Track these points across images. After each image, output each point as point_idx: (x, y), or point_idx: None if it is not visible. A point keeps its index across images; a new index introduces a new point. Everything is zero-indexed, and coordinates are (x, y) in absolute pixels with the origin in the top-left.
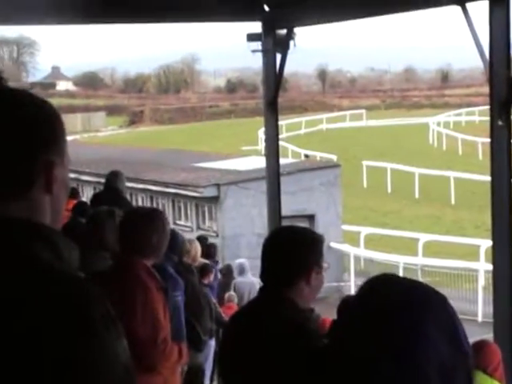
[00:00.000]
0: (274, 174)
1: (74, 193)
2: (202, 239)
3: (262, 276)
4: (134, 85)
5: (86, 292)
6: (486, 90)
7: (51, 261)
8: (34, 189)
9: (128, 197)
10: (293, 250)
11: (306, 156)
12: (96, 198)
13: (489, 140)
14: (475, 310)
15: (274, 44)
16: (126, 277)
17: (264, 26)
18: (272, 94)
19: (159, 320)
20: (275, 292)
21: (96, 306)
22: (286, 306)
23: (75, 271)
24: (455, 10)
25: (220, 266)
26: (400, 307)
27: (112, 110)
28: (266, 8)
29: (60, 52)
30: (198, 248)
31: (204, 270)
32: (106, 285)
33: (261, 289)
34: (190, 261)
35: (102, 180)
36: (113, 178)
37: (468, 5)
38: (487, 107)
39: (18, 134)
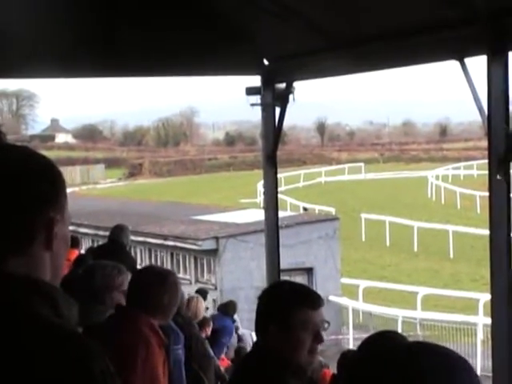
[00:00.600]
0: (272, 227)
1: (76, 242)
2: (202, 292)
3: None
4: (133, 137)
5: (85, 348)
6: (484, 143)
7: (50, 317)
8: (35, 245)
9: None
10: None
11: (305, 209)
12: (99, 250)
13: (487, 194)
14: (474, 363)
15: (273, 98)
16: (128, 331)
17: (263, 80)
18: (271, 148)
19: (158, 377)
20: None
21: (95, 361)
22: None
23: (74, 327)
24: (454, 64)
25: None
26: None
27: (111, 163)
28: (266, 62)
29: (59, 104)
30: (200, 303)
31: (202, 324)
32: (105, 338)
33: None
34: (191, 314)
35: (101, 232)
36: (117, 232)
37: (466, 60)
38: (485, 161)
39: (18, 190)
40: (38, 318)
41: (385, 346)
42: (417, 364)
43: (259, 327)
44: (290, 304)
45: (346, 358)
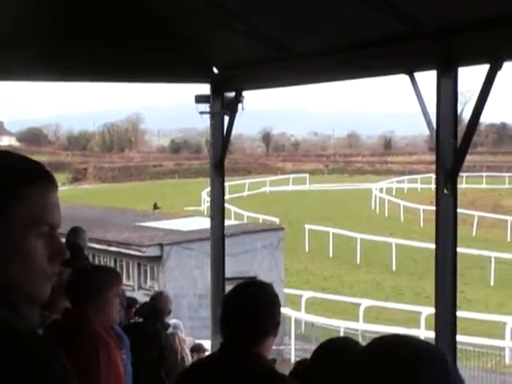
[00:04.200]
0: (218, 236)
1: None
2: (132, 301)
3: (230, 333)
4: (78, 142)
5: (42, 349)
6: (428, 157)
7: (8, 318)
8: None
9: None
10: (266, 306)
11: (156, 207)
12: None
13: (431, 207)
14: None
15: (222, 106)
16: (85, 334)
17: (212, 89)
18: (218, 156)
19: (121, 378)
20: (246, 350)
21: (52, 362)
22: (258, 359)
23: (33, 329)
24: (401, 78)
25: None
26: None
27: (55, 167)
28: (215, 70)
29: (4, 107)
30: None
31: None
32: (60, 343)
33: (226, 347)
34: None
35: None
36: (72, 234)
37: (416, 74)
38: (429, 175)
39: None
40: None
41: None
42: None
43: None
44: None
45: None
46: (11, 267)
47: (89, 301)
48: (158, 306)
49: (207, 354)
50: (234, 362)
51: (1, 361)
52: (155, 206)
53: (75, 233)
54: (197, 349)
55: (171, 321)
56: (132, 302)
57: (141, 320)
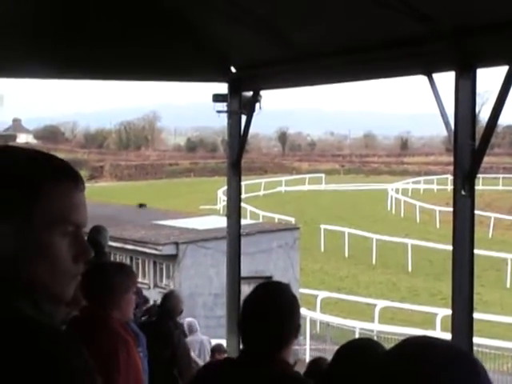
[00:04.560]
0: (234, 235)
1: None
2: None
3: (252, 338)
4: (95, 140)
5: (65, 344)
6: (444, 158)
7: (30, 313)
8: None
9: None
10: (290, 309)
11: (141, 205)
12: None
13: (447, 209)
14: None
15: (240, 106)
16: (104, 332)
17: (230, 88)
18: (235, 156)
19: (139, 375)
20: (271, 354)
21: (75, 357)
22: (284, 365)
23: (56, 324)
24: (418, 79)
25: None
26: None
27: (72, 165)
28: (233, 69)
29: (22, 105)
30: None
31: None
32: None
33: (250, 352)
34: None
35: None
36: (94, 232)
37: (434, 75)
38: (446, 176)
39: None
40: (17, 313)
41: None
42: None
43: None
44: None
45: (319, 365)
46: (36, 266)
47: (107, 298)
48: (169, 306)
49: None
50: (259, 368)
51: (24, 355)
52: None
53: (97, 231)
54: (218, 349)
55: (186, 319)
56: (144, 301)
57: (153, 319)
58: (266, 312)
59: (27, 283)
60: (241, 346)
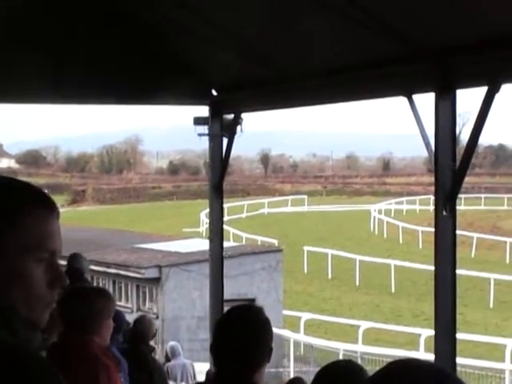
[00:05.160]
0: (217, 257)
1: None
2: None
3: (224, 360)
4: (77, 164)
5: (40, 367)
6: (426, 179)
7: (6, 338)
8: None
9: None
10: (262, 332)
11: None
12: None
13: (429, 229)
14: None
15: (221, 128)
16: (84, 358)
17: (211, 111)
18: (217, 178)
19: None
20: (243, 377)
21: (50, 381)
22: None
23: (33, 349)
24: (399, 99)
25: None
26: None
27: (54, 189)
28: (214, 92)
29: (3, 129)
30: None
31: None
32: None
33: (223, 375)
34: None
35: None
36: (72, 260)
37: (414, 96)
38: (428, 196)
39: None
40: None
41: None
42: None
43: None
44: None
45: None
46: (10, 292)
47: (89, 323)
48: (141, 330)
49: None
50: None
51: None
52: None
53: (75, 258)
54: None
55: (169, 343)
56: (127, 325)
57: (125, 345)
58: (239, 335)
59: (3, 309)
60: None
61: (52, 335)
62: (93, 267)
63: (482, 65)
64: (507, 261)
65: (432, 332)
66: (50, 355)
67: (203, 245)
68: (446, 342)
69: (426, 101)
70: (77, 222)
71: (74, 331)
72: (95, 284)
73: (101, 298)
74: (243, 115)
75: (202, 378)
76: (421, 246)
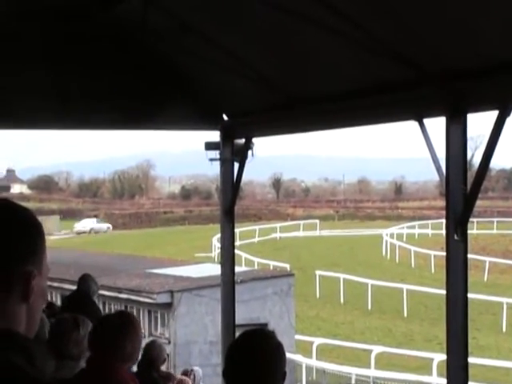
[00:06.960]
0: (229, 282)
1: None
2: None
3: None
4: (89, 189)
5: None
6: (438, 203)
7: (26, 368)
8: (12, 298)
9: None
10: (275, 357)
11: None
12: (66, 300)
13: (442, 253)
14: None
15: (232, 153)
16: (113, 382)
17: (222, 135)
18: (229, 203)
19: None
20: None
21: None
22: None
23: (49, 379)
24: (411, 123)
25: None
26: None
27: (66, 214)
28: (225, 117)
29: (15, 155)
30: None
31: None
32: None
33: None
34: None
35: (55, 284)
36: (81, 282)
37: (425, 120)
38: (440, 220)
39: None
40: (14, 369)
41: None
42: None
43: None
44: None
45: None
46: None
47: (116, 349)
48: (151, 356)
49: None
50: None
51: None
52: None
53: (83, 280)
54: None
55: (195, 368)
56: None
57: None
58: (251, 360)
59: (19, 334)
60: None
61: (80, 361)
62: (104, 292)
63: (492, 89)
64: None
65: (445, 356)
66: (79, 382)
67: (215, 270)
68: (458, 366)
69: (437, 124)
70: (89, 247)
71: (103, 357)
72: (106, 309)
73: (126, 323)
74: (254, 140)
75: None
76: (433, 270)
